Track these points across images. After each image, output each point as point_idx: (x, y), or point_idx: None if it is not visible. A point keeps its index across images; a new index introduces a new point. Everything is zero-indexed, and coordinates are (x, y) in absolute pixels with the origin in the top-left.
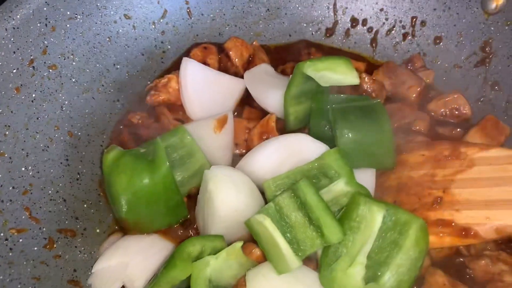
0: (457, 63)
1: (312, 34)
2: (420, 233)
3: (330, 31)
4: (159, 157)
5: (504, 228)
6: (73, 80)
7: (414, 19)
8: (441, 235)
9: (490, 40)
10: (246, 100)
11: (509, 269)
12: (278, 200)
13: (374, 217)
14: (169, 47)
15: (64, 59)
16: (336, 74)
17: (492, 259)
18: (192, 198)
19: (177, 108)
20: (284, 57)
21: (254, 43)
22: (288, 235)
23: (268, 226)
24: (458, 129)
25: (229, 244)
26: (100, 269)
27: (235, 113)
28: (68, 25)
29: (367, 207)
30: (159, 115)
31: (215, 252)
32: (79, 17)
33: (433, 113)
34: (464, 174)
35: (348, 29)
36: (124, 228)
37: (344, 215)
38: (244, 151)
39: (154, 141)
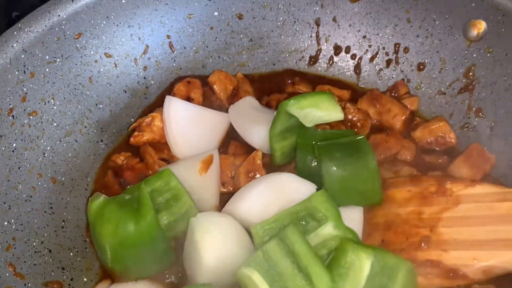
0: (441, 89)
1: (296, 62)
2: (408, 277)
3: (313, 59)
4: (144, 205)
5: (491, 269)
6: (55, 124)
7: (397, 46)
8: (429, 276)
9: (473, 67)
10: (232, 134)
11: None
12: (266, 248)
13: (363, 264)
14: (152, 82)
15: (45, 104)
16: (320, 110)
17: None
18: (179, 241)
19: (162, 147)
20: (269, 86)
21: (238, 74)
22: (277, 284)
23: (256, 281)
24: (444, 157)
25: None
26: None
27: (221, 150)
28: (47, 69)
29: (355, 254)
30: (144, 155)
31: None
32: (58, 60)
33: (418, 141)
34: (451, 212)
35: (331, 56)
36: (112, 276)
37: (332, 261)
38: (231, 188)
39: (139, 187)
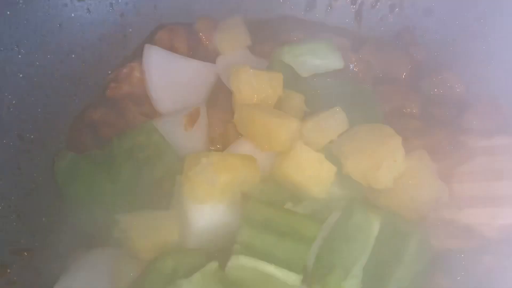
0: (450, 36)
1: (291, 8)
2: (422, 244)
3: (310, 5)
4: (118, 158)
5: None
6: (21, 75)
7: None
8: (442, 237)
9: (485, 10)
10: (221, 87)
11: None
12: (240, 238)
13: (370, 226)
14: (130, 30)
15: (8, 51)
16: (317, 58)
17: (495, 254)
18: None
19: (142, 101)
20: (262, 34)
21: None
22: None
23: (247, 262)
24: (453, 110)
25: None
26: None
27: (209, 104)
28: (8, 12)
29: (362, 214)
30: (123, 110)
31: (194, 268)
32: (21, 2)
33: (425, 93)
34: (465, 167)
35: (330, 2)
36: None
37: (338, 223)
38: (220, 146)
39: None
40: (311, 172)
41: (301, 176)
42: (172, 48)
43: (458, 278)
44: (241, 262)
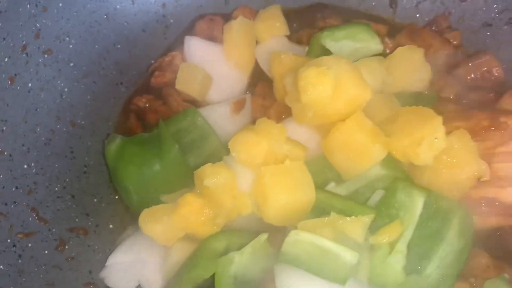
0: (487, 21)
1: None
2: (465, 222)
3: None
4: (165, 139)
5: None
6: (71, 64)
7: None
8: (485, 215)
9: None
10: (259, 74)
11: None
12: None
13: (414, 203)
14: (171, 20)
15: (60, 42)
16: (357, 42)
17: None
18: None
19: None
20: (298, 22)
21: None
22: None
23: (305, 237)
24: (491, 94)
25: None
26: (115, 264)
27: (248, 91)
28: (60, 4)
29: (406, 192)
30: (167, 97)
31: (243, 246)
32: None
33: (462, 78)
34: (506, 147)
35: None
36: None
37: (382, 201)
38: None
39: (158, 124)
40: (365, 143)
41: (355, 144)
42: (211, 38)
43: (500, 256)
44: (300, 237)
